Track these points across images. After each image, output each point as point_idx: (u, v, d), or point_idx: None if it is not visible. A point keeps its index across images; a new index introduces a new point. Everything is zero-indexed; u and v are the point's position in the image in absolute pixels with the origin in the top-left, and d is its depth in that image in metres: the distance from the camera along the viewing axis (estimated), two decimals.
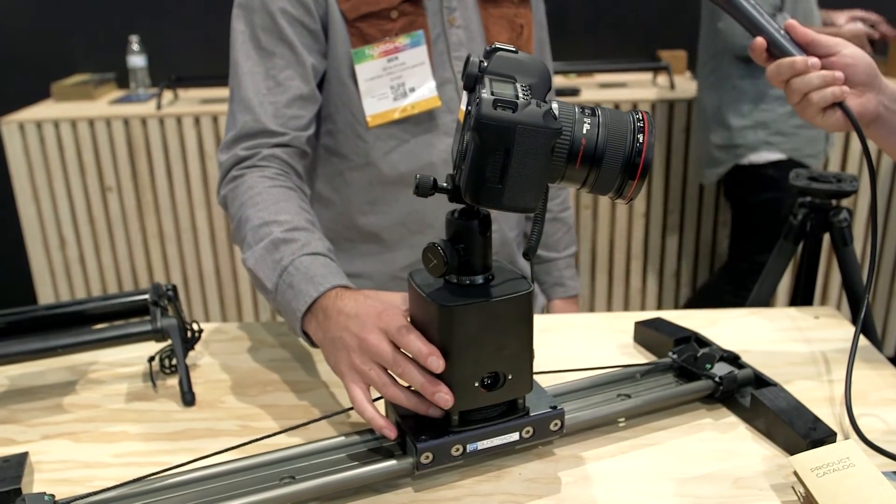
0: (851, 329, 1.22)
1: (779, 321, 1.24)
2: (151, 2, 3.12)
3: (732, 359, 1.01)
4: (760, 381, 0.99)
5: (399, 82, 1.22)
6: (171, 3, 3.12)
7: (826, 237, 1.48)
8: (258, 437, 0.88)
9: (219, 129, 2.74)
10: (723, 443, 0.93)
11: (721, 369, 0.99)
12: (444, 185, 0.80)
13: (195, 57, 3.15)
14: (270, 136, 1.16)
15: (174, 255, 2.91)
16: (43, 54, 3.15)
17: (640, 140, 0.76)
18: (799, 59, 0.93)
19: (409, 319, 0.86)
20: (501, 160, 0.73)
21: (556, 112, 0.75)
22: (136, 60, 3.00)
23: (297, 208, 1.09)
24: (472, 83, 0.77)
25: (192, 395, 1.04)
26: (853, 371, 1.07)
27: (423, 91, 1.23)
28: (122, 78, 3.14)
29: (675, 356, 1.02)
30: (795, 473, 0.82)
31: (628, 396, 0.97)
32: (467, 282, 0.82)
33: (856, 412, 0.97)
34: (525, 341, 0.84)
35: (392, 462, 0.84)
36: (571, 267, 1.55)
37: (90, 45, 3.16)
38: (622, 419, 0.97)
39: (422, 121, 1.24)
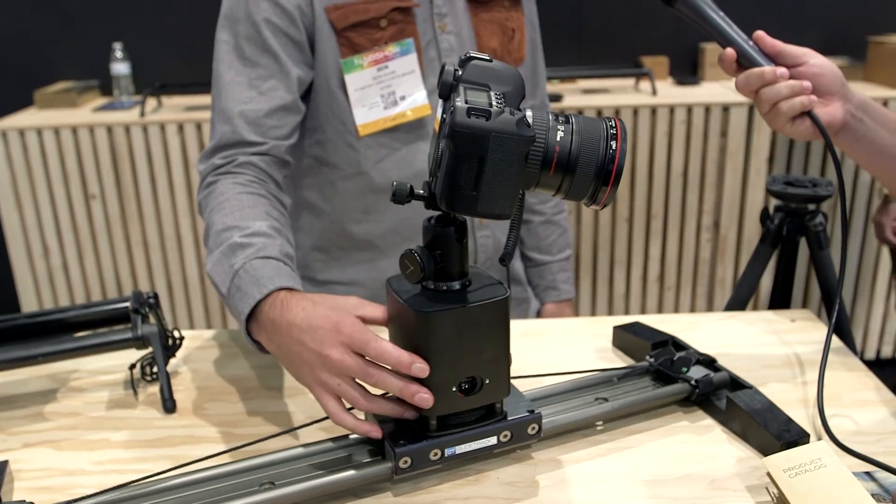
0: (826, 332, 1.23)
1: (756, 324, 1.26)
2: (135, 9, 3.11)
3: (708, 362, 1.03)
4: (736, 383, 1.01)
5: (389, 91, 1.23)
6: (154, 11, 3.12)
7: (803, 241, 1.50)
8: (239, 444, 0.89)
9: (202, 137, 2.74)
10: (699, 445, 0.94)
11: (697, 372, 1.00)
12: (421, 192, 0.81)
13: (179, 64, 3.15)
14: (248, 146, 1.17)
15: (158, 262, 2.90)
16: (26, 62, 3.14)
17: (613, 147, 0.77)
18: (767, 69, 0.95)
19: (364, 324, 0.86)
20: (476, 168, 0.74)
21: (530, 120, 0.76)
22: (120, 68, 3.00)
23: (264, 214, 1.08)
24: (446, 91, 0.78)
25: (173, 402, 1.04)
26: (827, 373, 1.09)
27: (414, 99, 1.23)
28: (106, 85, 3.13)
29: (652, 360, 1.03)
30: (769, 474, 0.83)
31: (606, 400, 0.98)
32: (444, 288, 0.83)
33: (829, 413, 0.98)
34: (502, 346, 0.85)
35: (371, 468, 0.85)
36: (566, 270, 1.54)
37: (73, 52, 3.15)
38: (600, 422, 0.98)
39: (413, 128, 1.25)
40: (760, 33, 0.96)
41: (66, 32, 3.13)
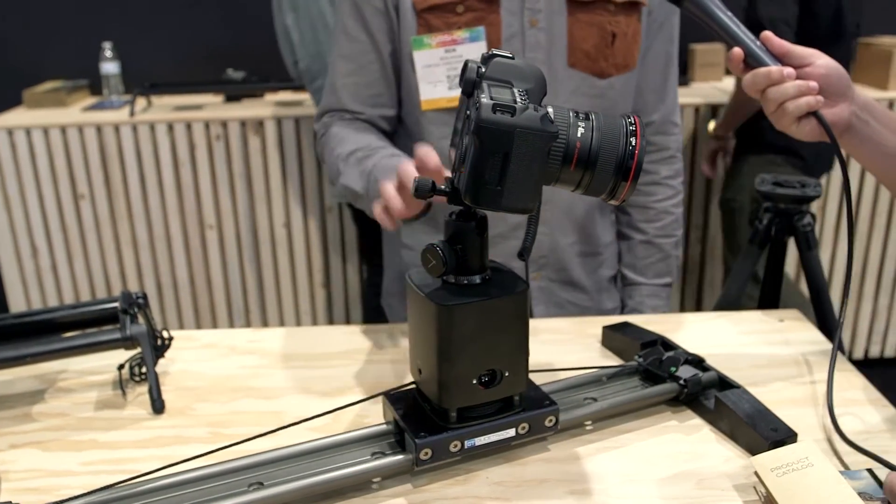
0: (815, 332, 1.24)
1: (744, 324, 1.26)
2: (125, 8, 3.11)
3: (697, 362, 1.03)
4: (724, 383, 1.01)
5: (455, 73, 1.26)
6: (144, 10, 3.11)
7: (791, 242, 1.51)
8: (228, 444, 0.89)
9: (192, 137, 2.74)
10: (687, 444, 0.95)
11: (686, 372, 1.01)
12: (443, 187, 0.82)
13: (169, 64, 3.15)
14: (351, 113, 1.33)
15: (148, 262, 2.89)
16: (14, 61, 3.13)
17: (633, 143, 0.79)
18: (774, 69, 0.95)
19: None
20: (500, 163, 0.75)
21: (552, 116, 0.77)
22: (110, 67, 2.99)
23: (378, 137, 1.29)
24: (470, 88, 0.80)
25: (162, 402, 1.04)
26: (814, 373, 1.10)
27: None
28: (95, 85, 3.13)
29: (640, 359, 1.04)
30: (756, 474, 0.84)
31: (595, 400, 0.98)
32: (465, 282, 0.84)
33: (815, 413, 0.99)
34: (521, 339, 0.87)
35: (392, 458, 0.86)
36: (658, 297, 1.46)
37: (62, 51, 3.14)
38: (589, 422, 0.98)
39: None
40: (768, 34, 0.97)
41: (56, 31, 3.12)
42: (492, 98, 0.74)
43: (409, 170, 0.91)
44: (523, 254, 0.86)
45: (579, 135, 0.78)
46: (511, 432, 0.89)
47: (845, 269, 0.97)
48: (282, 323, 3.00)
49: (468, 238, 0.83)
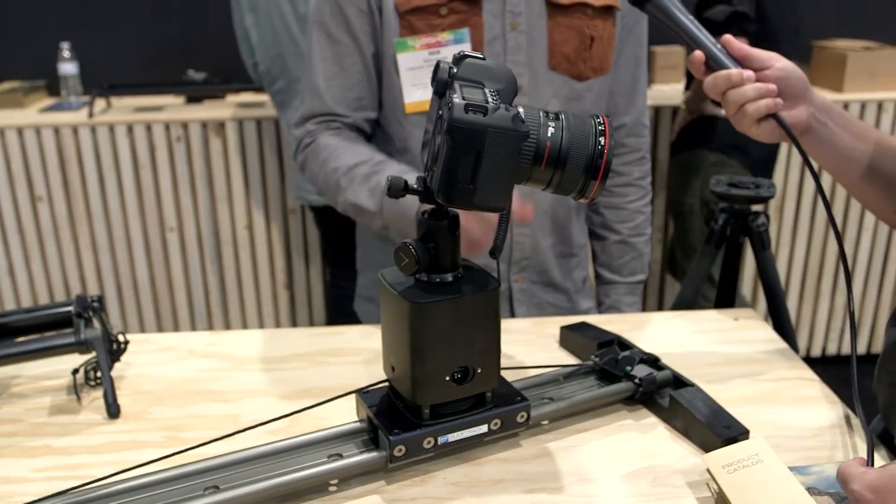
0: (769, 330, 1.26)
1: (700, 323, 1.28)
2: (83, 8, 3.07)
3: (652, 361, 1.04)
4: (679, 382, 1.02)
5: None
6: (103, 10, 3.08)
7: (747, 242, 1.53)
8: (184, 448, 0.88)
9: (153, 138, 2.71)
10: (642, 443, 0.96)
11: (641, 371, 1.02)
12: (415, 186, 0.83)
13: (129, 65, 3.11)
14: (335, 117, 1.31)
15: (108, 265, 2.86)
16: None
17: (602, 143, 0.80)
18: (734, 71, 0.97)
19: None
20: (473, 161, 0.76)
21: (523, 116, 0.78)
22: (68, 68, 2.95)
23: (372, 149, 1.28)
24: (442, 88, 0.81)
25: (117, 406, 1.03)
26: (768, 371, 1.12)
27: None
28: (53, 86, 3.08)
29: (597, 359, 1.05)
30: (708, 471, 0.85)
31: (552, 399, 0.99)
32: (437, 280, 0.85)
33: (768, 410, 1.01)
34: (493, 336, 0.88)
35: (365, 456, 0.87)
36: (633, 294, 1.50)
37: (19, 51, 3.09)
38: (546, 421, 0.99)
39: None
40: (728, 37, 0.98)
41: (12, 31, 3.07)
42: (464, 98, 0.76)
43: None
44: (494, 252, 0.87)
45: (549, 134, 0.80)
46: (483, 428, 0.90)
47: (840, 262, 1.00)
48: (244, 325, 2.98)
49: (440, 236, 0.84)
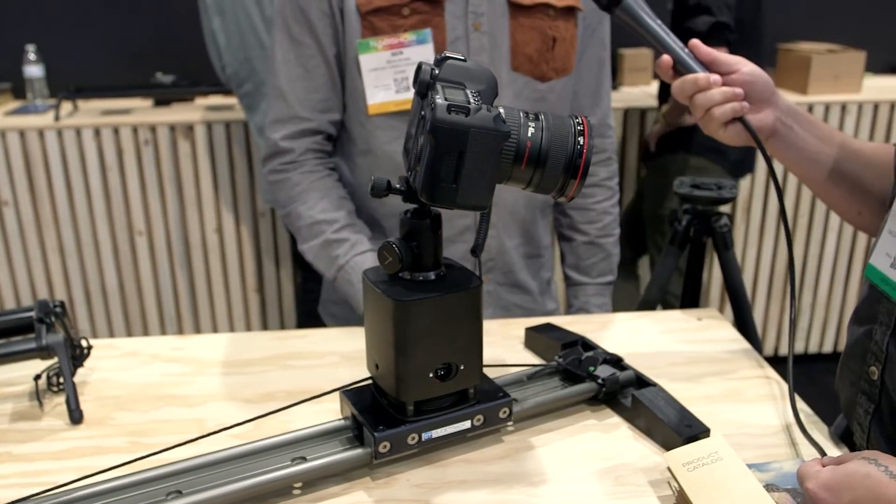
0: (731, 330, 1.28)
1: (664, 323, 1.30)
2: (49, 10, 3.03)
3: (615, 361, 1.05)
4: (641, 381, 1.03)
5: (403, 76, 1.27)
6: (69, 12, 3.05)
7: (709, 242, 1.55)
8: (147, 453, 0.88)
9: (120, 141, 2.69)
10: (605, 442, 0.97)
11: (604, 371, 1.03)
12: (398, 186, 0.85)
13: (96, 67, 3.08)
14: (301, 121, 1.31)
15: (76, 270, 2.83)
16: None
17: (581, 142, 0.82)
18: (701, 75, 0.98)
19: None
20: (455, 161, 0.78)
21: (504, 116, 0.80)
22: (33, 70, 2.91)
23: (339, 200, 1.31)
24: (424, 89, 0.82)
25: (80, 412, 1.02)
26: (730, 370, 1.13)
27: None
28: (19, 88, 3.04)
29: (560, 360, 1.06)
30: (669, 469, 0.86)
31: (516, 400, 0.99)
32: (420, 278, 0.87)
33: (730, 409, 1.02)
34: (475, 333, 0.89)
35: (350, 452, 0.88)
36: (602, 295, 1.50)
37: None
38: (510, 422, 0.99)
39: None
40: (696, 42, 1.00)
41: None
42: (446, 99, 0.77)
43: None
44: (476, 250, 0.89)
45: (529, 134, 0.81)
46: (466, 424, 0.91)
47: (788, 260, 1.01)
48: (215, 329, 2.97)
49: (423, 235, 0.86)
